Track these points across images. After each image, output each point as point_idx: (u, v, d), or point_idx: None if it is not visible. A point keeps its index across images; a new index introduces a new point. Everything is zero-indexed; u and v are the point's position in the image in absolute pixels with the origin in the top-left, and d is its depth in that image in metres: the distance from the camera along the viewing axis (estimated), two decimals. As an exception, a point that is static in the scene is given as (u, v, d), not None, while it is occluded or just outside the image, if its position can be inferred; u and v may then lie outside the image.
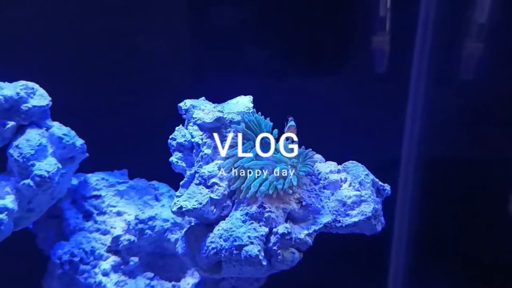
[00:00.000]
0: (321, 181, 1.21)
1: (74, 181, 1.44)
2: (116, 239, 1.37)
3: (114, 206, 1.43)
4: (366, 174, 1.22)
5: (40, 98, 1.31)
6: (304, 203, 1.16)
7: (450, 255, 1.73)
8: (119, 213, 1.42)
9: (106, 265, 1.36)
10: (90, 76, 1.63)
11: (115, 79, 1.65)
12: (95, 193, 1.43)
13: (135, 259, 1.38)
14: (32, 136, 1.28)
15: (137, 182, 1.48)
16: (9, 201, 1.25)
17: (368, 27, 1.68)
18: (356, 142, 1.67)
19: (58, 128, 1.33)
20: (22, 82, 1.30)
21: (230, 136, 1.19)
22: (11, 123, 1.27)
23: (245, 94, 1.30)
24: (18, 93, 1.27)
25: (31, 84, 1.30)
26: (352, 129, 1.70)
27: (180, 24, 1.66)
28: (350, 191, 1.19)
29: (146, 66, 1.63)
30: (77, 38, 1.60)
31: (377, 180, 1.24)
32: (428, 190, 1.68)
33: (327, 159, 1.27)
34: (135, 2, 1.61)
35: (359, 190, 1.19)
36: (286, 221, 1.15)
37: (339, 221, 1.16)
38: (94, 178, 1.45)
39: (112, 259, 1.37)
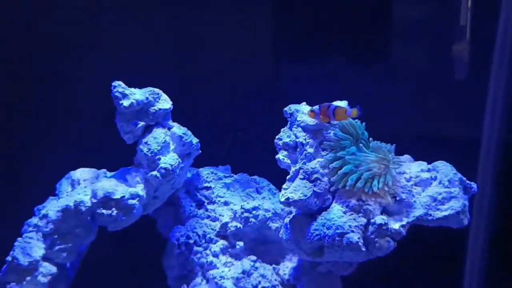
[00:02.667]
0: (413, 179, 1.34)
1: (188, 174, 1.65)
2: (224, 225, 1.57)
3: (222, 197, 1.62)
4: (455, 173, 1.34)
5: (164, 102, 1.53)
6: (398, 198, 1.30)
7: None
8: (226, 203, 1.62)
9: (216, 247, 1.56)
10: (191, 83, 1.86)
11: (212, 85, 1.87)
12: (206, 185, 1.64)
13: (240, 243, 1.57)
14: (158, 135, 1.50)
15: (241, 177, 1.67)
16: (140, 189, 1.48)
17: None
18: (434, 145, 1.77)
19: (178, 128, 1.54)
20: (150, 88, 1.52)
21: (330, 136, 1.34)
22: (141, 123, 1.50)
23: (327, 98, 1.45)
24: (147, 98, 1.49)
25: (156, 90, 1.52)
26: (434, 129, 1.80)
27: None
28: (440, 188, 1.31)
29: (241, 72, 1.83)
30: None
31: (464, 178, 1.35)
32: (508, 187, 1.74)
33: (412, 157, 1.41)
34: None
35: (448, 187, 1.31)
36: (381, 214, 1.29)
37: (430, 215, 1.28)
38: (205, 172, 1.66)
39: (221, 242, 1.57)
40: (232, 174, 1.68)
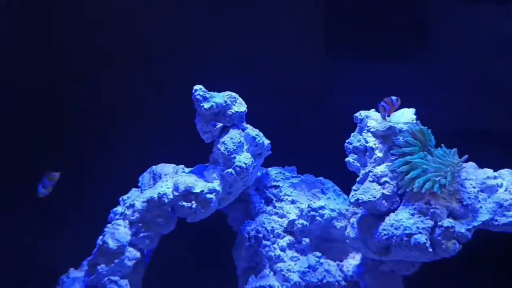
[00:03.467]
0: (478, 185, 1.40)
1: (258, 173, 1.76)
2: (291, 222, 1.67)
3: (289, 195, 1.73)
4: (521, 181, 1.39)
5: (240, 105, 1.64)
6: (464, 202, 1.36)
7: None
8: (293, 201, 1.72)
9: (283, 242, 1.66)
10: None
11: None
12: (274, 183, 1.75)
13: (306, 240, 1.66)
14: (234, 135, 1.62)
15: (307, 177, 1.77)
16: (216, 184, 1.60)
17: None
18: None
19: (251, 130, 1.66)
20: (228, 92, 1.64)
21: (399, 141, 1.42)
22: (219, 124, 1.62)
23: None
24: (225, 101, 1.61)
25: (233, 94, 1.64)
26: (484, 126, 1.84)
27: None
28: (506, 195, 1.37)
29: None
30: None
31: (531, 187, 1.39)
32: None
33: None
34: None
35: (515, 195, 1.36)
36: (448, 217, 1.36)
37: (496, 220, 1.34)
38: (273, 171, 1.77)
39: (288, 238, 1.67)
40: (298, 175, 1.78)
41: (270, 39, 1.95)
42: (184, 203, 1.57)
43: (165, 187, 1.61)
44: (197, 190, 1.57)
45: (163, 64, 1.97)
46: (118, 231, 1.57)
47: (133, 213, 1.59)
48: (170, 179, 1.65)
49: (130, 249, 1.59)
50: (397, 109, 1.49)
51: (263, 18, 1.96)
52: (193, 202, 1.57)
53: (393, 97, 1.46)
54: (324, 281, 1.59)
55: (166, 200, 1.58)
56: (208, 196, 1.57)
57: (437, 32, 1.89)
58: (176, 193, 1.58)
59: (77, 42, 2.00)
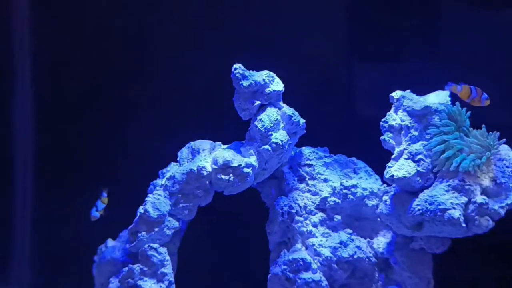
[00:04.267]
0: (513, 165, 1.43)
1: (291, 152, 1.82)
2: (324, 199, 1.72)
3: (322, 174, 1.78)
4: (556, 163, 1.41)
5: (277, 84, 1.70)
6: (498, 181, 1.40)
7: None
8: (325, 180, 1.77)
9: (315, 218, 1.72)
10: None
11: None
12: (307, 162, 1.80)
13: (338, 217, 1.71)
14: (271, 113, 1.67)
15: (339, 157, 1.82)
16: (253, 160, 1.66)
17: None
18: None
19: (288, 109, 1.71)
20: (266, 71, 1.69)
21: (436, 121, 1.46)
22: (257, 102, 1.68)
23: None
24: (264, 79, 1.67)
25: (272, 73, 1.70)
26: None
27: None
28: (540, 175, 1.39)
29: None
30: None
31: None
32: None
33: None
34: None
35: (549, 175, 1.39)
36: (481, 195, 1.39)
37: (530, 199, 1.37)
38: (307, 150, 1.82)
39: (320, 215, 1.72)
40: (331, 155, 1.83)
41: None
42: (222, 176, 1.63)
43: (204, 161, 1.67)
44: (234, 164, 1.63)
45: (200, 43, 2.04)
46: (159, 201, 1.65)
47: (173, 185, 1.66)
48: (208, 154, 1.71)
49: (170, 218, 1.66)
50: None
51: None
52: (231, 175, 1.63)
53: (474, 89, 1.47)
54: (355, 256, 1.63)
55: (205, 173, 1.64)
56: (245, 170, 1.63)
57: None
58: (214, 166, 1.64)
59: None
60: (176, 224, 1.66)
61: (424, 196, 1.42)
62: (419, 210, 1.41)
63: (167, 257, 1.63)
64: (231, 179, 1.63)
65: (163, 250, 1.63)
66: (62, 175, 2.19)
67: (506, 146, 1.52)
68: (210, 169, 1.65)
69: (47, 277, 2.24)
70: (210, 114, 2.08)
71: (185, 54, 2.09)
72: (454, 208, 1.36)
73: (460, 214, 1.35)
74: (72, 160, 2.19)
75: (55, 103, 2.17)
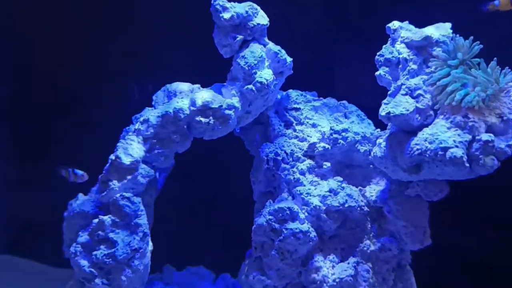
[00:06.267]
0: (521, 101, 1.30)
1: (278, 95, 1.67)
2: (312, 145, 1.58)
3: (310, 119, 1.63)
4: None
5: (262, 17, 1.53)
6: (505, 118, 1.27)
7: None
8: (314, 125, 1.63)
9: (303, 166, 1.58)
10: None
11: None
12: (295, 106, 1.65)
13: (327, 164, 1.58)
14: (255, 49, 1.52)
15: (329, 101, 1.67)
16: (235, 101, 1.51)
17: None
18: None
19: (273, 45, 1.55)
20: (249, 2, 1.53)
21: (439, 53, 1.32)
22: (240, 37, 1.52)
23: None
24: (246, 11, 1.50)
25: (255, 5, 1.53)
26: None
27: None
28: (550, 112, 1.27)
29: None
30: None
31: None
32: None
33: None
34: None
35: (559, 112, 1.26)
36: (486, 133, 1.26)
37: (539, 137, 1.25)
38: (294, 93, 1.67)
39: (308, 162, 1.59)
40: (320, 98, 1.69)
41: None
42: (202, 119, 1.48)
43: (181, 103, 1.51)
44: (215, 105, 1.48)
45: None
46: (131, 146, 1.49)
47: (147, 128, 1.50)
48: (186, 96, 1.55)
49: (144, 166, 1.51)
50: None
51: None
52: (211, 118, 1.48)
53: None
54: (346, 205, 1.51)
55: (182, 116, 1.49)
56: (227, 112, 1.48)
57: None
58: (193, 108, 1.49)
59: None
60: (151, 172, 1.52)
61: (423, 134, 1.28)
62: (418, 149, 1.28)
63: (142, 207, 1.49)
64: (211, 121, 1.48)
65: (137, 199, 1.49)
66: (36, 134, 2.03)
67: (513, 84, 1.39)
68: (188, 112, 1.49)
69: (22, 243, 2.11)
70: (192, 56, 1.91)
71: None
72: (456, 146, 1.23)
73: (463, 153, 1.22)
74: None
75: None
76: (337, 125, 1.59)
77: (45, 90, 2.04)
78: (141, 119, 1.53)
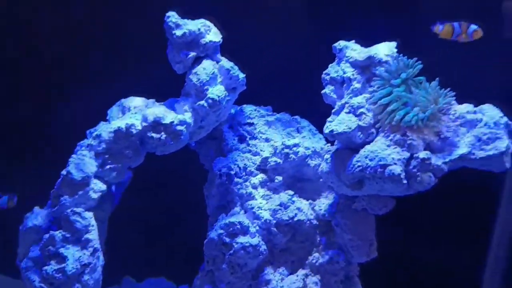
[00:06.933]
0: (459, 120, 1.36)
1: (232, 110, 1.69)
2: (265, 160, 1.61)
3: (264, 133, 1.67)
4: (501, 116, 1.34)
5: (215, 34, 1.56)
6: (442, 136, 1.32)
7: None
8: (267, 140, 1.66)
9: (255, 180, 1.61)
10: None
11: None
12: (248, 121, 1.68)
13: (279, 178, 1.61)
14: (207, 66, 1.54)
15: (283, 116, 1.71)
16: (188, 116, 1.53)
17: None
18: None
19: (226, 62, 1.58)
20: (202, 20, 1.55)
21: (381, 72, 1.36)
22: (192, 54, 1.54)
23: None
24: (199, 29, 1.53)
25: (208, 22, 1.56)
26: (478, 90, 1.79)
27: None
28: (485, 129, 1.32)
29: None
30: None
31: (510, 122, 1.35)
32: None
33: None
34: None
35: (493, 129, 1.31)
36: (424, 150, 1.31)
37: (473, 154, 1.30)
38: (248, 108, 1.70)
39: (260, 176, 1.62)
40: (274, 113, 1.72)
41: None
42: (153, 134, 1.50)
43: (133, 118, 1.53)
44: (166, 121, 1.50)
45: None
46: (83, 162, 1.50)
47: (99, 144, 1.51)
48: (139, 111, 1.57)
49: (96, 181, 1.51)
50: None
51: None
52: (163, 133, 1.50)
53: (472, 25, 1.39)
54: (295, 219, 1.54)
55: (134, 131, 1.50)
56: (179, 127, 1.50)
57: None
58: (145, 124, 1.51)
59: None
60: (104, 187, 1.53)
61: (364, 151, 1.33)
62: (359, 166, 1.32)
63: (93, 222, 1.50)
64: (163, 137, 1.50)
65: (88, 215, 1.49)
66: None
67: (454, 102, 1.44)
68: (140, 127, 1.51)
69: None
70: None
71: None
72: (395, 163, 1.28)
73: (401, 170, 1.27)
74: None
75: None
76: (289, 140, 1.62)
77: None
78: (94, 134, 1.54)
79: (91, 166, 1.50)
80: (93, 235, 1.49)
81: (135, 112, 1.58)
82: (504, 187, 1.77)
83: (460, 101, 1.43)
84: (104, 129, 1.53)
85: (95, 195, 1.51)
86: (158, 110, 1.51)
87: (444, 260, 1.87)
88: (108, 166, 1.52)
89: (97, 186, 1.51)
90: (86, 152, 1.52)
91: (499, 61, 1.72)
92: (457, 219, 1.84)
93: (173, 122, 1.50)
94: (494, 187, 1.67)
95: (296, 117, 1.72)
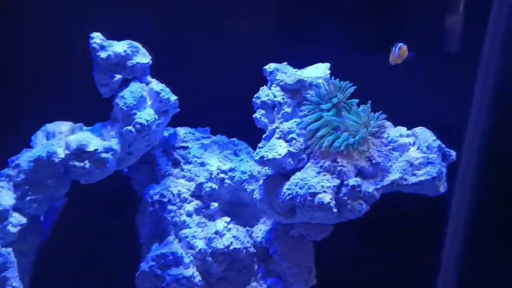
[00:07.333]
0: (391, 144, 1.32)
1: (165, 133, 1.62)
2: (199, 185, 1.55)
3: (199, 157, 1.60)
4: (434, 140, 1.31)
5: (143, 56, 1.49)
6: (374, 161, 1.28)
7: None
8: (202, 164, 1.59)
9: (190, 207, 1.54)
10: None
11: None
12: (183, 144, 1.61)
13: (215, 204, 1.55)
14: (135, 89, 1.47)
15: (219, 138, 1.65)
16: (114, 143, 1.45)
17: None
18: (423, 117, 1.74)
19: (156, 84, 1.51)
20: (128, 41, 1.48)
21: (311, 97, 1.32)
22: (118, 76, 1.46)
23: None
24: (125, 51, 1.45)
25: (135, 43, 1.48)
26: (421, 104, 1.77)
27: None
28: (417, 153, 1.29)
29: (235, 32, 1.78)
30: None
31: (443, 145, 1.33)
32: (492, 163, 1.72)
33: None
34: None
35: (426, 153, 1.28)
36: (356, 176, 1.27)
37: (406, 179, 1.27)
38: (182, 131, 1.63)
39: (195, 203, 1.55)
40: (210, 136, 1.66)
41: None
42: (76, 163, 1.41)
43: (56, 146, 1.44)
44: (90, 148, 1.41)
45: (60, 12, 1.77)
46: (0, 194, 1.40)
47: (18, 174, 1.42)
48: (64, 137, 1.48)
49: (15, 214, 1.41)
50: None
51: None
52: (87, 161, 1.41)
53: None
54: (231, 247, 1.48)
55: (57, 160, 1.41)
56: (104, 155, 1.42)
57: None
58: (67, 152, 1.42)
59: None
60: (24, 220, 1.42)
61: (295, 179, 1.28)
62: (289, 194, 1.27)
63: (12, 259, 1.39)
64: (87, 166, 1.41)
65: (6, 251, 1.39)
66: None
67: (389, 123, 1.41)
68: (62, 155, 1.42)
69: None
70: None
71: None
72: (325, 191, 1.23)
73: (331, 198, 1.22)
74: None
75: None
76: (224, 164, 1.56)
77: None
78: (13, 164, 1.44)
79: (9, 198, 1.40)
80: (12, 272, 1.38)
81: (60, 138, 1.49)
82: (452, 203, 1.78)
83: (396, 123, 1.41)
84: (24, 158, 1.43)
85: (14, 229, 1.41)
86: (82, 137, 1.43)
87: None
88: (28, 198, 1.42)
89: (16, 220, 1.41)
90: (4, 183, 1.42)
91: (437, 78, 1.72)
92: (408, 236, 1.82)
93: (97, 149, 1.41)
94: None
95: (234, 139, 1.65)
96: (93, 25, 1.49)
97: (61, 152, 1.42)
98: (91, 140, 1.43)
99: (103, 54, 1.43)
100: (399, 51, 1.34)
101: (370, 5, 1.75)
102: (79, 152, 1.41)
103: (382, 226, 1.72)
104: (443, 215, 1.78)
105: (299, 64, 1.46)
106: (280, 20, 1.79)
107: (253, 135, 1.60)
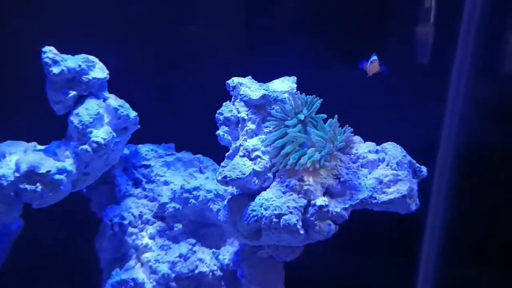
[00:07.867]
0: (360, 160, 1.27)
1: (126, 151, 1.54)
2: (162, 206, 1.47)
3: (162, 176, 1.52)
4: (404, 155, 1.27)
5: (99, 71, 1.41)
6: (342, 179, 1.22)
7: (486, 242, 1.73)
8: (166, 183, 1.51)
9: (152, 229, 1.46)
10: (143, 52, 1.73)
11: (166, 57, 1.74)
12: (144, 162, 1.53)
13: (179, 225, 1.47)
14: (91, 106, 1.38)
15: (184, 155, 1.57)
16: (69, 164, 1.36)
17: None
18: (395, 129, 1.70)
19: (114, 100, 1.43)
20: (84, 55, 1.40)
21: (275, 112, 1.25)
22: (72, 93, 1.38)
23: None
24: (80, 65, 1.37)
25: (91, 57, 1.40)
26: (393, 116, 1.73)
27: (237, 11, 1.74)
28: (387, 170, 1.24)
29: (199, 46, 1.72)
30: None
31: (414, 161, 1.28)
32: (466, 176, 1.69)
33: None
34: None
35: (396, 170, 1.23)
36: (324, 195, 1.21)
37: (375, 198, 1.21)
38: (144, 148, 1.55)
39: (158, 224, 1.47)
40: (174, 152, 1.58)
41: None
42: (27, 186, 1.31)
43: (5, 168, 1.34)
44: (42, 170, 1.32)
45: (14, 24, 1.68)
46: None
47: (-38, 199, 1.32)
48: (15, 158, 1.38)
49: (-40, 242, 1.31)
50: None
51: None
52: (38, 184, 1.32)
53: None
54: (196, 271, 1.40)
55: (5, 183, 1.31)
56: (57, 177, 1.33)
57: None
58: (17, 174, 1.32)
59: None
60: (-31, 249, 1.32)
61: (260, 199, 1.21)
62: (254, 216, 1.20)
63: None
64: (39, 189, 1.32)
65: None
66: None
67: (358, 138, 1.35)
68: (12, 178, 1.32)
69: None
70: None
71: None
72: (291, 212, 1.17)
73: (297, 220, 1.16)
74: None
75: None
76: (188, 183, 1.48)
77: None
78: (-42, 188, 1.34)
79: (-47, 226, 1.30)
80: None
81: (10, 159, 1.39)
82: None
83: (365, 138, 1.36)
84: (-30, 182, 1.33)
85: (-41, 259, 1.30)
86: (33, 158, 1.33)
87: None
88: (-26, 225, 1.33)
89: (-39, 249, 1.31)
90: None
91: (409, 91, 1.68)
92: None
93: (50, 171, 1.32)
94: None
95: (199, 155, 1.58)
96: (45, 40, 1.41)
97: (11, 175, 1.32)
98: (44, 161, 1.33)
99: (55, 70, 1.34)
100: (370, 65, 1.29)
101: (339, 17, 1.71)
102: (31, 174, 1.31)
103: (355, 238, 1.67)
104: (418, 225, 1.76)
105: (264, 78, 1.40)
106: (246, 33, 1.74)
107: (220, 150, 1.54)
